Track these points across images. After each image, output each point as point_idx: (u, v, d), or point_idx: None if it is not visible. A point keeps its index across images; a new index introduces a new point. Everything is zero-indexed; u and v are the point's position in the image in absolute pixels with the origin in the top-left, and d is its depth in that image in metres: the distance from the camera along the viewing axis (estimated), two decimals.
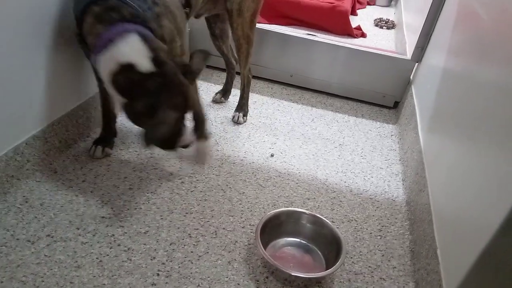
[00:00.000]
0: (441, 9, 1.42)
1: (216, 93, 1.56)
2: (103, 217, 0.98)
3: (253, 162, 1.25)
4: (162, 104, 0.82)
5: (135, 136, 1.27)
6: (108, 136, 1.18)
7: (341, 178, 1.24)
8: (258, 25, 1.73)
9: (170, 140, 0.90)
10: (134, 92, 0.82)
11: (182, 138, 0.92)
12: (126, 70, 0.82)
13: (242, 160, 1.25)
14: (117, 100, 0.86)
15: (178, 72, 0.86)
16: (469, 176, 0.81)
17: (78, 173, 1.09)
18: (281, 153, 1.31)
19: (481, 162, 0.77)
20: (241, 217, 1.04)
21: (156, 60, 0.83)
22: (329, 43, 1.64)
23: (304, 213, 1.01)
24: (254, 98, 1.60)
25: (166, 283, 0.85)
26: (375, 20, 2.55)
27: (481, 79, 0.88)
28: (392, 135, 1.50)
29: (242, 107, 1.46)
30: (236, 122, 1.43)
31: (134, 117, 0.85)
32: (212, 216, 1.03)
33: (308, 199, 1.14)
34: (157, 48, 0.85)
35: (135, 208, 1.01)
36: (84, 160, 1.14)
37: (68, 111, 1.12)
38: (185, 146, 0.96)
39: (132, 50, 0.82)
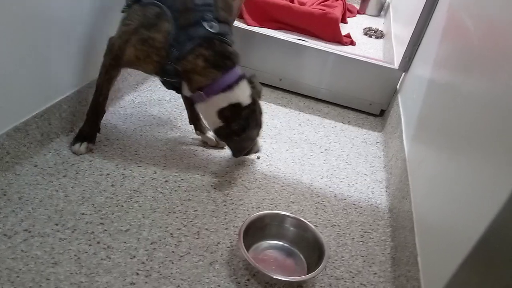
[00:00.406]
0: (429, 21, 1.44)
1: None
2: (83, 214, 0.95)
3: (239, 164, 1.24)
4: (250, 125, 1.08)
5: (120, 133, 1.25)
6: (92, 132, 1.16)
7: (326, 183, 1.24)
8: (250, 28, 1.73)
9: (250, 148, 1.18)
10: (232, 118, 1.05)
11: (255, 146, 1.21)
12: (234, 106, 1.04)
13: (228, 161, 1.24)
14: (213, 123, 1.09)
15: (258, 102, 1.12)
16: (451, 185, 0.82)
17: (59, 168, 1.06)
18: (268, 156, 1.31)
19: (462, 172, 0.78)
20: (225, 218, 1.03)
21: (252, 96, 1.08)
22: (319, 49, 1.65)
23: (288, 216, 1.00)
24: None
25: (146, 282, 0.83)
26: (365, 29, 2.58)
27: (465, 91, 0.90)
28: (377, 143, 1.52)
29: None
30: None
31: (227, 135, 1.10)
32: (196, 217, 1.02)
33: (293, 202, 1.14)
34: (251, 84, 1.10)
35: (117, 206, 0.99)
36: (66, 155, 1.11)
37: (51, 104, 1.10)
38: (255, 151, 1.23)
39: (243, 93, 1.05)
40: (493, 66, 0.78)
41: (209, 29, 0.97)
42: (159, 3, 0.96)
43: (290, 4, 2.26)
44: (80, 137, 1.14)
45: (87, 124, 1.15)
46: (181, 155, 1.22)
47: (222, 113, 1.05)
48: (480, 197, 0.68)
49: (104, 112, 1.17)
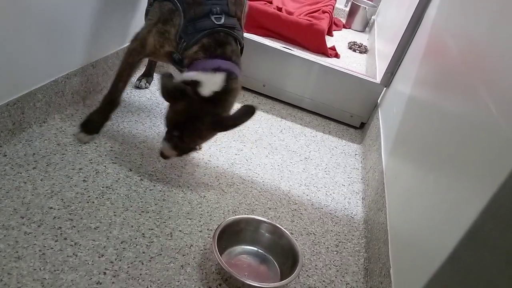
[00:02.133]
0: (413, 39, 1.48)
1: (139, 79, 1.49)
2: (51, 208, 0.91)
3: (217, 167, 1.22)
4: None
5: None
6: (100, 122, 1.17)
7: (303, 191, 1.24)
8: None
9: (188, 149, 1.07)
10: (178, 98, 0.97)
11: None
12: (192, 85, 0.96)
13: (206, 163, 1.22)
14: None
15: (215, 113, 0.99)
16: (425, 200, 0.83)
17: (29, 159, 1.02)
18: (247, 160, 1.30)
19: (437, 187, 0.80)
20: (200, 221, 1.01)
21: (215, 95, 0.97)
22: (304, 58, 1.66)
23: (264, 222, 0.99)
24: None
25: (113, 282, 0.80)
26: (349, 43, 2.63)
27: (444, 109, 0.92)
28: (356, 154, 1.53)
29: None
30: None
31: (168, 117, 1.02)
32: (169, 217, 0.99)
33: (270, 208, 1.13)
34: (228, 90, 0.99)
35: (88, 202, 0.96)
36: (38, 146, 1.07)
37: (25, 93, 1.05)
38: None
39: (211, 83, 0.97)
40: (472, 86, 0.80)
41: (215, 22, 0.99)
42: None
43: (278, 12, 2.27)
44: (87, 127, 1.15)
45: (98, 113, 1.16)
46: (158, 154, 1.19)
47: (178, 87, 0.96)
48: (453, 212, 0.69)
49: (119, 104, 1.17)
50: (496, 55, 0.76)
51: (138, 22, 1.49)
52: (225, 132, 1.38)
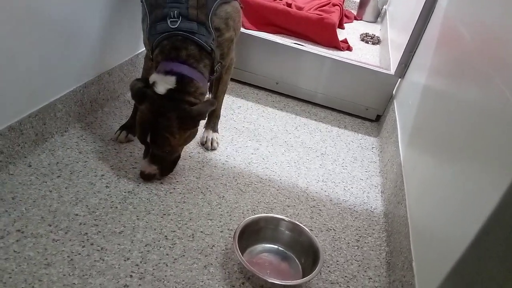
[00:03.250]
0: (425, 28, 1.45)
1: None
2: (76, 215, 0.94)
3: (234, 167, 1.24)
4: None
5: (115, 134, 1.24)
6: (134, 123, 1.22)
7: (321, 187, 1.24)
8: (247, 32, 1.73)
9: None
10: (142, 99, 1.04)
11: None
12: (150, 86, 1.03)
13: (223, 163, 1.24)
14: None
15: (177, 107, 1.02)
16: (445, 191, 0.82)
17: (53, 168, 1.06)
18: (263, 159, 1.31)
19: (456, 177, 0.79)
20: (220, 221, 1.03)
21: (172, 93, 1.02)
22: (315, 53, 1.65)
23: (283, 220, 1.00)
24: (238, 103, 1.59)
25: (139, 285, 0.82)
26: (361, 35, 2.60)
27: (460, 98, 0.90)
28: (373, 148, 1.52)
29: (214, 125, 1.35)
30: (208, 148, 1.29)
31: (137, 122, 1.07)
32: (190, 219, 1.01)
33: (288, 206, 1.13)
34: (182, 90, 1.03)
35: (111, 207, 0.99)
36: (61, 155, 1.10)
37: (46, 104, 1.09)
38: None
39: (162, 82, 1.02)
40: (487, 74, 0.79)
41: (170, 25, 1.02)
42: (142, 1, 1.08)
43: (288, 8, 2.27)
44: (123, 127, 1.23)
45: (132, 114, 1.25)
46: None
47: (140, 87, 1.05)
48: (472, 202, 0.68)
49: None
50: (510, 40, 0.74)
51: None
52: (240, 132, 1.40)
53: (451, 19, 1.18)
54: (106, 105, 1.36)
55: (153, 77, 1.04)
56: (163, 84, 1.02)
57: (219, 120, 1.35)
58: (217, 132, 1.33)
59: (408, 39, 1.52)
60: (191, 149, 1.27)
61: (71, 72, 1.16)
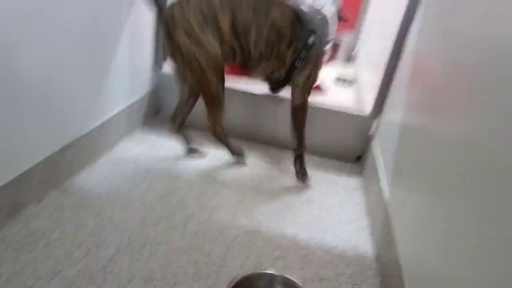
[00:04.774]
0: (397, 67, 1.50)
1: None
2: None
3: (219, 220, 1.20)
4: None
5: (94, 197, 1.20)
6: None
7: (309, 235, 1.21)
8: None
9: None
10: None
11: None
12: None
13: (207, 219, 1.20)
14: None
15: None
16: (434, 229, 0.81)
17: (28, 241, 1.00)
18: (248, 209, 1.28)
19: (444, 215, 0.78)
20: (207, 282, 0.98)
21: None
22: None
23: (274, 275, 0.96)
24: (221, 154, 1.59)
25: None
26: (336, 77, 2.68)
27: (438, 133, 0.92)
28: (357, 189, 1.51)
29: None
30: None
31: None
32: (175, 283, 0.96)
33: (277, 258, 1.09)
34: None
35: (89, 279, 0.93)
36: (35, 226, 1.05)
37: (20, 173, 1.05)
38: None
39: None
40: (462, 107, 0.81)
41: None
42: None
43: None
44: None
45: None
46: (159, 216, 1.18)
47: None
48: (461, 240, 0.67)
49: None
50: (479, 74, 0.77)
51: (117, 87, 1.53)
52: (223, 184, 1.38)
53: (421, 56, 1.23)
54: (84, 168, 1.33)
55: None
56: None
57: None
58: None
59: (380, 79, 1.56)
60: (173, 206, 1.23)
61: (47, 137, 1.14)
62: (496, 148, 0.64)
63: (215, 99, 1.30)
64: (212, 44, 1.18)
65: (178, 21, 1.10)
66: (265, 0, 1.23)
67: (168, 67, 1.76)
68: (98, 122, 1.36)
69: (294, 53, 1.33)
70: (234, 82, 1.92)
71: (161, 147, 1.57)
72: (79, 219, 1.11)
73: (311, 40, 1.31)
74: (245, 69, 1.36)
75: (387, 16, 2.04)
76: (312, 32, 1.31)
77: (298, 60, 1.34)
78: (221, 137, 1.41)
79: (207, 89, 1.26)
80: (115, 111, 1.46)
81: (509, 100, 0.63)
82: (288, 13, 1.28)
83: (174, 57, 1.21)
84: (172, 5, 1.14)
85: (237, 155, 1.50)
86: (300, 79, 1.40)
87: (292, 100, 1.43)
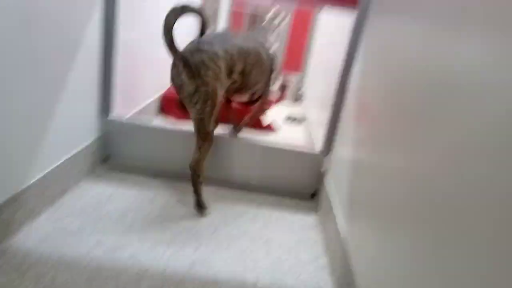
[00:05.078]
0: (343, 105, 1.58)
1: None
2: None
3: (175, 273, 1.14)
4: None
5: (34, 259, 1.09)
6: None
7: (271, 280, 1.18)
8: (174, 128, 1.74)
9: None
10: None
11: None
12: None
13: (162, 273, 1.13)
14: None
15: None
16: (392, 264, 0.82)
17: None
18: (206, 259, 1.23)
19: (399, 249, 0.79)
20: None
21: None
22: (245, 141, 1.69)
23: None
24: (174, 201, 1.53)
25: None
26: (286, 116, 2.76)
27: (385, 168, 0.95)
28: (314, 226, 1.52)
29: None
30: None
31: None
32: None
33: None
34: None
35: None
36: None
37: None
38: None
39: None
40: (403, 141, 0.85)
41: None
42: None
43: None
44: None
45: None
46: (109, 274, 1.09)
47: None
48: (421, 275, 0.68)
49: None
50: (416, 108, 0.81)
51: (58, 137, 1.46)
52: (177, 233, 1.32)
53: (364, 96, 1.29)
54: (24, 227, 1.22)
55: None
56: None
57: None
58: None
59: (328, 116, 1.63)
60: (124, 262, 1.15)
61: None
62: (439, 179, 0.67)
63: (209, 135, 1.46)
64: (225, 85, 1.46)
65: (210, 65, 1.35)
66: (258, 48, 1.60)
67: (116, 112, 1.71)
68: (38, 176, 1.27)
69: (267, 82, 1.78)
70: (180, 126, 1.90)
71: (110, 197, 1.49)
72: (18, 286, 1.00)
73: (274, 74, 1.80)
74: (235, 94, 1.65)
75: (330, 56, 2.16)
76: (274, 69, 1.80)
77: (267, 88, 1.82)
78: (198, 176, 1.48)
79: (208, 124, 1.43)
80: (58, 162, 1.38)
81: (446, 130, 0.67)
82: (268, 55, 1.71)
83: (192, 94, 1.38)
84: (200, 54, 1.35)
85: (201, 206, 1.50)
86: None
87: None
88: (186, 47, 1.38)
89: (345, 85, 1.56)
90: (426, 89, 0.79)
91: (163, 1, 2.05)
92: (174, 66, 1.37)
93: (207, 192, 1.65)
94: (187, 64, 1.33)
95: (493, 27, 0.61)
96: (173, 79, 1.39)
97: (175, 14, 1.21)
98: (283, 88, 3.24)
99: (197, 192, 1.49)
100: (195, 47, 1.36)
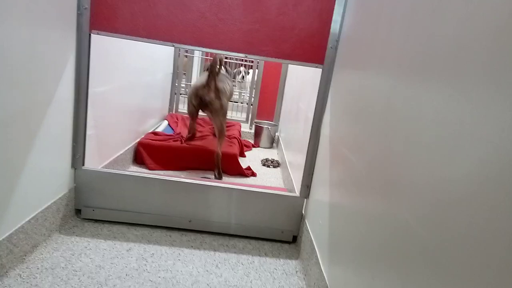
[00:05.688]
0: (317, 151, 1.62)
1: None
2: None
3: None
4: None
5: None
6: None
7: None
8: (151, 175, 1.72)
9: None
10: None
11: None
12: None
13: None
14: None
15: None
16: None
17: None
18: None
19: None
20: None
21: None
22: (223, 187, 1.69)
23: None
24: (151, 251, 1.48)
25: None
26: (262, 160, 2.79)
27: (364, 211, 0.97)
28: (297, 271, 1.50)
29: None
30: None
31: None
32: None
33: None
34: None
35: None
36: None
37: None
38: None
39: None
40: (380, 191, 0.88)
41: None
42: None
43: (187, 146, 2.37)
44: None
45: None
46: None
47: None
48: None
49: None
50: (392, 162, 0.85)
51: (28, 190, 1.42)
52: (156, 285, 1.27)
53: (336, 145, 1.34)
54: None
55: None
56: None
57: None
58: None
59: (304, 161, 1.66)
60: None
61: None
62: (414, 222, 0.69)
63: (224, 132, 2.39)
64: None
65: (225, 93, 2.37)
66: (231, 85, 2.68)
67: (89, 163, 1.68)
68: (7, 232, 1.21)
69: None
70: (157, 174, 1.89)
71: (83, 250, 1.43)
72: None
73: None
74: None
75: (303, 101, 2.24)
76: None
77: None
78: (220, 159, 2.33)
79: (224, 125, 2.34)
80: (29, 217, 1.32)
81: (411, 173, 0.71)
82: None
83: (206, 110, 2.39)
84: (222, 84, 2.41)
85: (220, 177, 2.27)
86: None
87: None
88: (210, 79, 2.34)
89: (318, 130, 1.61)
90: (389, 135, 0.84)
91: (133, 55, 2.10)
92: (205, 87, 2.31)
93: (187, 240, 1.61)
94: (217, 89, 2.28)
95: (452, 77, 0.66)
96: (202, 97, 2.29)
97: (217, 61, 2.29)
98: (257, 133, 3.30)
99: (219, 168, 2.25)
100: (217, 79, 2.34)
